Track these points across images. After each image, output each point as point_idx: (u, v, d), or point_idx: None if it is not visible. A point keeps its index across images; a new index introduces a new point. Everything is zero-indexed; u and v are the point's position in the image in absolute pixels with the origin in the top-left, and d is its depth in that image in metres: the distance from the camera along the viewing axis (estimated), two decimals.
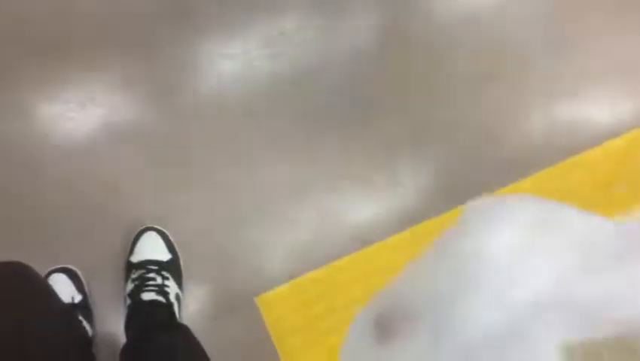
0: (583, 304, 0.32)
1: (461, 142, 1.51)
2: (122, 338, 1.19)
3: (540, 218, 0.37)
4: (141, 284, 1.20)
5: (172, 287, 1.22)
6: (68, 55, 1.50)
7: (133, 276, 1.23)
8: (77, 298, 1.22)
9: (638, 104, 1.59)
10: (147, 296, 1.18)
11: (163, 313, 1.18)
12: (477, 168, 1.48)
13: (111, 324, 1.26)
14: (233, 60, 1.54)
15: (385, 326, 0.39)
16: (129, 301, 1.20)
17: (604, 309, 0.32)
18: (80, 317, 1.19)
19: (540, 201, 0.39)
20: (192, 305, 1.29)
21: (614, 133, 1.53)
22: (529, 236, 0.36)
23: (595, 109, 1.58)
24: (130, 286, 1.22)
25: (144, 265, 1.25)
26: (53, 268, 1.26)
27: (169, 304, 1.19)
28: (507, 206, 0.40)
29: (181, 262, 1.30)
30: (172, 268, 1.27)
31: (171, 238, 1.31)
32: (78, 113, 1.45)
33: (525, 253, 0.35)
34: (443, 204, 1.42)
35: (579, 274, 0.34)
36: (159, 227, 1.31)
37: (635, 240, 0.35)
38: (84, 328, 1.19)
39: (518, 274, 0.34)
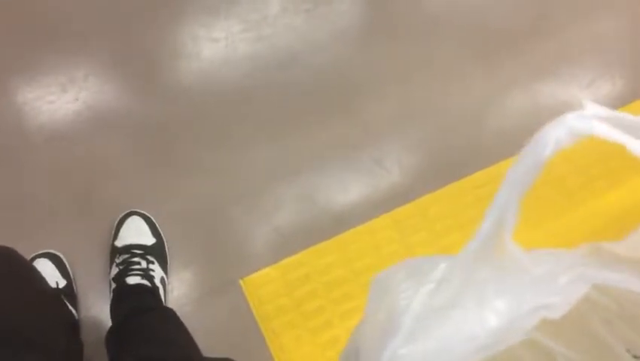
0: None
1: (442, 125, 1.52)
2: (108, 323, 1.19)
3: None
4: (126, 268, 1.20)
5: (156, 271, 1.23)
6: (49, 38, 1.48)
7: (118, 260, 1.23)
8: (62, 283, 1.22)
9: (617, 85, 1.61)
10: (132, 280, 1.18)
11: (148, 297, 1.18)
12: (459, 151, 1.50)
13: (97, 309, 1.26)
14: (217, 43, 1.53)
15: None
16: (114, 285, 1.20)
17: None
18: (65, 302, 1.19)
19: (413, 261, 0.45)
20: (177, 289, 1.30)
21: None
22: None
23: (574, 89, 1.60)
24: (115, 270, 1.22)
25: (129, 249, 1.25)
26: (37, 253, 1.25)
27: (154, 288, 1.19)
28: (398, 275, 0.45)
29: (166, 246, 1.31)
30: (157, 252, 1.27)
31: (155, 222, 1.31)
32: (59, 96, 1.43)
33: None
34: (425, 187, 1.43)
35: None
36: (143, 211, 1.31)
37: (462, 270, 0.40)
38: (71, 313, 1.19)
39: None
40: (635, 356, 0.38)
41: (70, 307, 1.20)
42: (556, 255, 0.40)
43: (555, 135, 0.33)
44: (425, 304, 0.39)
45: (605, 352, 0.40)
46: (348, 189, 1.44)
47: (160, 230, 1.31)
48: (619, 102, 1.58)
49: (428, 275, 0.41)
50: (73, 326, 1.16)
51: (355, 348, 0.46)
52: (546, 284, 0.37)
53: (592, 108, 0.34)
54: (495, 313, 0.36)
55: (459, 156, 1.49)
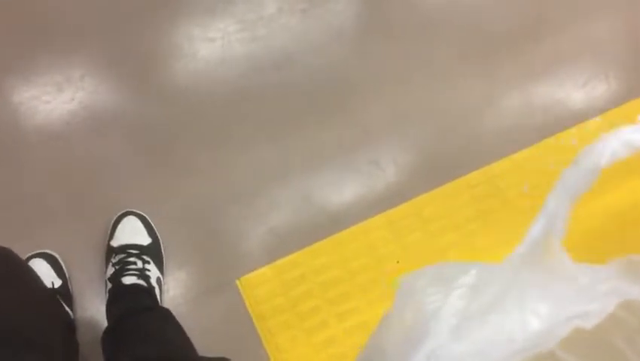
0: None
1: (438, 125, 1.53)
2: (104, 322, 1.20)
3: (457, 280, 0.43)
4: (122, 268, 1.20)
5: (152, 271, 1.23)
6: (45, 38, 1.48)
7: (114, 260, 1.23)
8: (57, 283, 1.22)
9: (612, 85, 1.62)
10: (128, 280, 1.18)
11: (144, 297, 1.18)
12: (454, 150, 1.50)
13: (93, 309, 1.26)
14: (213, 43, 1.53)
15: None
16: (110, 285, 1.20)
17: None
18: (62, 302, 1.19)
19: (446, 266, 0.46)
20: (173, 289, 1.30)
21: (588, 114, 1.55)
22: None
23: (569, 90, 1.60)
24: (111, 270, 1.22)
25: (125, 249, 1.25)
26: (33, 253, 1.25)
27: (150, 288, 1.19)
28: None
29: (162, 246, 1.31)
30: (153, 252, 1.27)
31: (151, 222, 1.31)
32: (55, 96, 1.43)
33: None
34: (420, 187, 1.44)
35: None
36: (139, 211, 1.31)
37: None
38: (67, 313, 1.19)
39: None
40: None
41: (66, 307, 1.20)
42: (593, 268, 0.41)
43: (612, 147, 0.35)
44: (457, 308, 0.40)
45: None
46: (343, 189, 1.44)
47: (155, 230, 1.31)
48: (613, 102, 1.59)
49: (457, 280, 0.41)
50: (69, 326, 1.16)
51: (379, 348, 0.47)
52: (585, 294, 0.38)
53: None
54: (536, 316, 0.37)
55: (454, 155, 1.49)
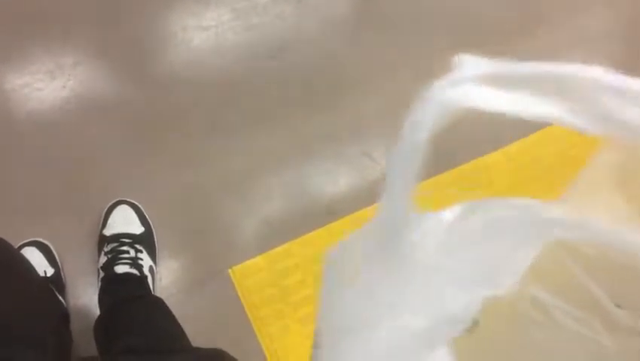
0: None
1: None
2: (96, 311, 1.20)
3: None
4: (115, 257, 1.20)
5: (145, 260, 1.23)
6: (38, 25, 1.47)
7: (106, 249, 1.23)
8: (50, 271, 1.22)
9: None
10: (121, 269, 1.18)
11: (137, 285, 1.19)
12: (446, 142, 1.50)
13: (85, 297, 1.26)
14: (207, 32, 1.52)
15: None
16: (102, 274, 1.20)
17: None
18: (55, 292, 1.19)
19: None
20: (166, 278, 1.30)
21: None
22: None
23: None
24: (103, 259, 1.22)
25: (118, 238, 1.25)
26: (25, 241, 1.25)
27: (143, 277, 1.19)
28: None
29: (155, 235, 1.31)
30: (146, 241, 1.27)
31: (144, 210, 1.31)
32: (48, 84, 1.42)
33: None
34: None
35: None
36: (132, 200, 1.31)
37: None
38: (61, 302, 1.19)
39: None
40: (617, 305, 0.36)
41: (59, 296, 1.20)
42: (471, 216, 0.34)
43: (425, 117, 0.28)
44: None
45: (591, 300, 0.37)
46: (337, 179, 1.44)
47: (148, 219, 1.31)
48: None
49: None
50: (63, 316, 1.16)
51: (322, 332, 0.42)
52: (475, 262, 0.31)
53: (466, 66, 0.27)
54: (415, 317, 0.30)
55: (446, 147, 1.49)
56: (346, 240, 0.40)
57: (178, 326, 1.06)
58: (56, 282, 1.23)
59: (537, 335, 0.38)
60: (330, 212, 1.39)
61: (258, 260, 1.33)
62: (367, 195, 1.42)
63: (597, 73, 0.25)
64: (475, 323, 0.39)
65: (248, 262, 1.32)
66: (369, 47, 1.57)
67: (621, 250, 0.27)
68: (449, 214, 0.35)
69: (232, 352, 0.86)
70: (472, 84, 0.27)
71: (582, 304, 0.36)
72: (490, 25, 1.63)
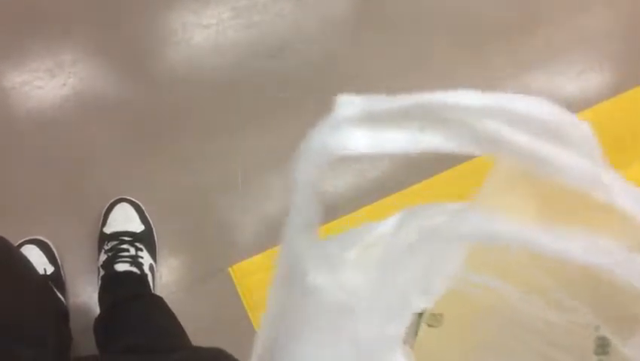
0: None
1: None
2: (96, 310, 1.20)
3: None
4: (115, 255, 1.21)
5: (145, 258, 1.23)
6: (37, 23, 1.46)
7: (106, 247, 1.23)
8: (50, 270, 1.22)
9: (605, 76, 1.62)
10: (121, 267, 1.19)
11: (137, 284, 1.19)
12: None
13: (85, 296, 1.27)
14: (208, 30, 1.52)
15: None
16: (102, 272, 1.20)
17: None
18: (54, 290, 1.19)
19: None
20: (166, 276, 1.30)
21: (581, 106, 1.56)
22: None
23: (563, 81, 1.61)
24: (103, 257, 1.22)
25: (118, 236, 1.25)
26: (25, 239, 1.25)
27: (143, 276, 1.20)
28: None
29: (155, 234, 1.31)
30: (146, 239, 1.27)
31: (144, 209, 1.31)
32: (47, 82, 1.42)
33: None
34: (411, 178, 1.44)
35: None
36: (132, 198, 1.31)
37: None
38: (61, 301, 1.19)
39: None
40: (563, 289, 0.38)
41: (58, 294, 1.20)
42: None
43: (308, 166, 0.27)
44: None
45: (536, 285, 0.38)
46: (335, 179, 1.44)
47: (148, 217, 1.31)
48: (607, 94, 1.60)
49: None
50: (62, 315, 1.16)
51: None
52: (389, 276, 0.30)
53: (345, 106, 0.26)
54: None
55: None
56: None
57: (178, 324, 1.06)
58: (56, 280, 1.23)
59: (496, 322, 0.40)
60: (328, 211, 1.39)
61: (258, 259, 1.33)
62: (365, 194, 1.42)
63: (462, 96, 0.26)
64: (439, 317, 0.41)
65: (248, 261, 1.33)
66: (369, 46, 1.57)
67: (535, 250, 0.28)
68: (389, 224, 0.35)
69: (232, 351, 0.86)
70: (349, 127, 0.26)
71: (528, 288, 0.38)
72: (490, 25, 1.63)
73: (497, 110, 0.26)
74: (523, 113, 0.26)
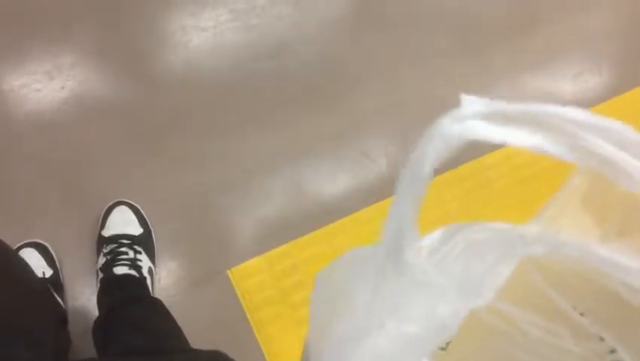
0: None
1: (429, 116, 1.53)
2: (95, 313, 1.19)
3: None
4: (114, 258, 1.20)
5: (144, 261, 1.23)
6: (36, 25, 1.47)
7: (105, 250, 1.23)
8: (48, 272, 1.22)
9: (604, 77, 1.62)
10: (120, 270, 1.18)
11: (136, 287, 1.18)
12: None
13: (84, 299, 1.26)
14: (206, 32, 1.52)
15: None
16: (101, 275, 1.20)
17: None
18: (53, 293, 1.19)
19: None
20: (165, 279, 1.30)
21: (580, 106, 1.56)
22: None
23: (561, 82, 1.61)
24: (102, 260, 1.22)
25: (116, 239, 1.25)
26: (23, 242, 1.25)
27: (142, 279, 1.19)
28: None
29: (154, 236, 1.31)
30: (145, 242, 1.27)
31: (142, 212, 1.31)
32: (46, 85, 1.42)
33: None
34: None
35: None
36: (130, 201, 1.31)
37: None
38: (59, 304, 1.19)
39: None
40: (581, 314, 0.40)
41: (57, 297, 1.20)
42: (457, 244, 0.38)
43: (431, 149, 0.33)
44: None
45: (556, 311, 0.40)
46: (335, 180, 1.44)
47: (147, 220, 1.31)
48: (605, 95, 1.59)
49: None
50: (61, 318, 1.16)
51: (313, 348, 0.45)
52: (464, 279, 0.35)
53: (468, 105, 0.33)
54: (412, 323, 0.34)
55: None
56: (338, 260, 0.46)
57: (177, 327, 1.06)
58: (55, 283, 1.23)
59: (504, 347, 0.42)
60: (328, 212, 1.39)
61: (257, 261, 1.33)
62: (365, 195, 1.42)
63: (571, 112, 0.32)
64: (448, 341, 0.43)
65: (247, 263, 1.32)
66: (368, 47, 1.57)
67: (592, 264, 0.32)
68: (435, 236, 0.39)
69: (231, 353, 0.86)
70: (473, 120, 0.33)
71: (547, 315, 0.40)
72: (490, 25, 1.63)
73: (597, 128, 0.32)
74: (620, 133, 0.32)
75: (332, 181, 1.44)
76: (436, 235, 0.40)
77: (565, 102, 0.33)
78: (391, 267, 0.35)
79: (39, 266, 1.21)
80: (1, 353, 0.71)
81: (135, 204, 1.31)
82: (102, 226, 1.28)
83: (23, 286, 0.89)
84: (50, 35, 1.47)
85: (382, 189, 1.43)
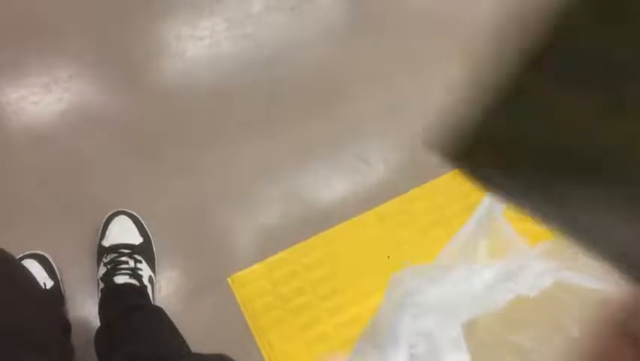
0: None
1: (427, 120, 1.54)
2: (96, 323, 1.20)
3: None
4: (114, 268, 1.21)
5: (144, 270, 1.23)
6: (32, 39, 1.48)
7: (105, 260, 1.23)
8: (49, 284, 1.22)
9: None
10: (121, 280, 1.19)
11: (137, 296, 1.19)
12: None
13: (85, 309, 1.27)
14: (202, 42, 1.53)
15: None
16: (102, 285, 1.21)
17: None
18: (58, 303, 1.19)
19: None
20: (165, 288, 1.31)
21: None
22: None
23: None
24: (103, 270, 1.22)
25: (116, 248, 1.25)
26: (23, 254, 1.25)
27: (143, 287, 1.20)
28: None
29: (154, 245, 1.31)
30: (145, 251, 1.28)
31: (142, 221, 1.32)
32: (43, 97, 1.43)
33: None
34: (409, 182, 1.45)
35: None
36: (130, 210, 1.31)
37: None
38: (63, 314, 1.19)
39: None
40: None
41: (60, 308, 1.20)
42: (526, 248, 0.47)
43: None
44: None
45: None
46: (333, 185, 1.45)
47: (147, 229, 1.31)
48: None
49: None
50: (64, 328, 1.16)
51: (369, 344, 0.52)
52: (524, 269, 0.44)
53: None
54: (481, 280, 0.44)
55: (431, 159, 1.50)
56: (410, 269, 0.56)
57: (179, 335, 1.07)
58: (56, 294, 1.23)
59: None
60: (327, 218, 1.40)
61: (256, 268, 1.33)
62: (364, 201, 1.43)
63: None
64: None
65: (247, 270, 1.33)
66: (364, 53, 1.58)
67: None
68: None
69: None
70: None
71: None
72: (484, 30, 1.64)
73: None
74: None
75: (330, 187, 1.45)
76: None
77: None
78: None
79: (40, 277, 1.22)
80: (8, 355, 0.71)
81: (135, 214, 1.31)
82: (102, 236, 1.28)
83: (29, 294, 0.90)
84: (47, 48, 1.48)
85: (380, 194, 1.43)
